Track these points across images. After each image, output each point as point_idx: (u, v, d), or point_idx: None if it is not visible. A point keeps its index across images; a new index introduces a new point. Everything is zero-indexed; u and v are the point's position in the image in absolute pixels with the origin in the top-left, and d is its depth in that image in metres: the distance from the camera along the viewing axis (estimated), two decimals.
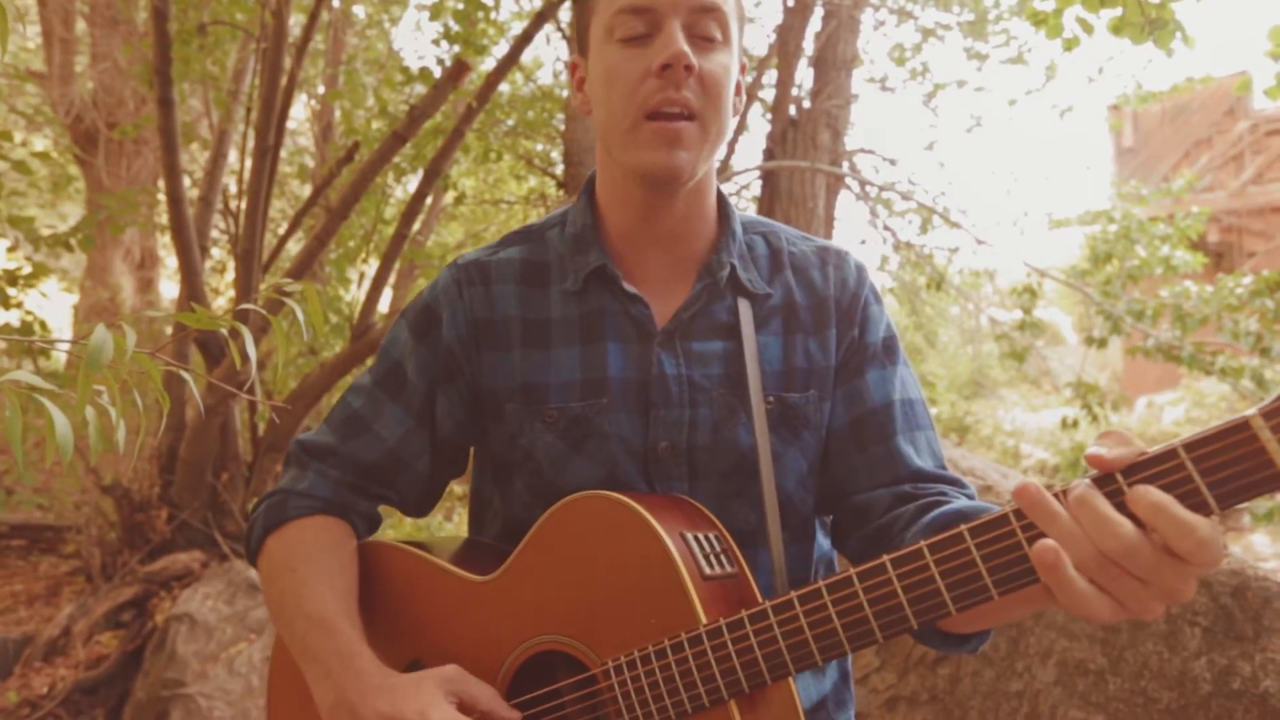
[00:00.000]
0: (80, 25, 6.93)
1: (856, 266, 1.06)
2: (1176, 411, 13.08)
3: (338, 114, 5.26)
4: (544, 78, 6.15)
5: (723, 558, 0.87)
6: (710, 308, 1.01)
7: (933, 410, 6.89)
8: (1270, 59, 2.12)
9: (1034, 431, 15.51)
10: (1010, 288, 6.09)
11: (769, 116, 6.00)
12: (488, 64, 3.75)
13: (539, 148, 5.40)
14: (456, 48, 3.35)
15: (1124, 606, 0.66)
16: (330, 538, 1.01)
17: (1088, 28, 2.21)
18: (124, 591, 3.50)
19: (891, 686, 2.09)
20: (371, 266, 4.49)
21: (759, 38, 7.39)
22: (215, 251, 6.25)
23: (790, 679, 0.82)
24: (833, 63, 5.76)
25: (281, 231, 4.32)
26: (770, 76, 6.36)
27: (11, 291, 3.40)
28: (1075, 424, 5.03)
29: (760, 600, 0.84)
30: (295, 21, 4.24)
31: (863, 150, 6.13)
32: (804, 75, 5.99)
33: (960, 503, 0.91)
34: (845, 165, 6.20)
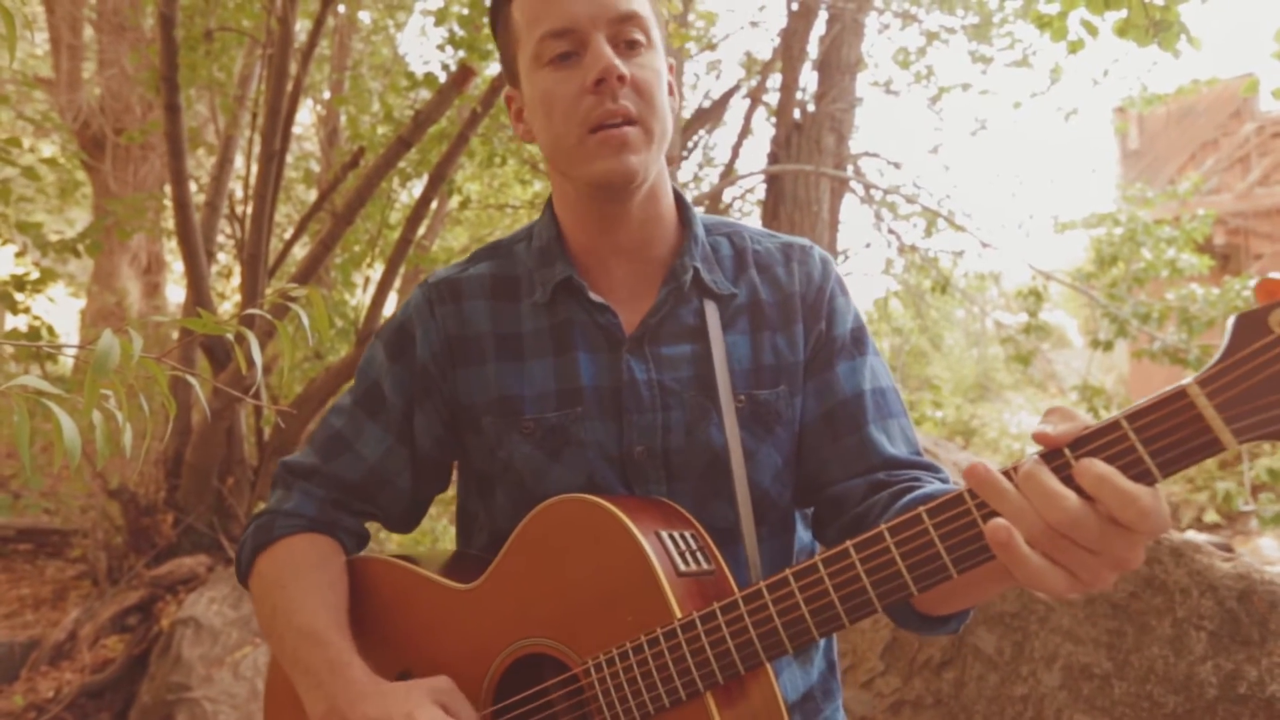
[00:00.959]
0: (88, 32, 6.96)
1: (821, 260, 1.08)
2: None
3: (343, 119, 5.28)
4: None
5: (699, 555, 0.89)
6: (676, 312, 1.02)
7: (938, 414, 6.88)
8: (1278, 60, 2.12)
9: None
10: (1016, 291, 6.08)
11: (773, 120, 6.00)
12: (492, 69, 3.77)
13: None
14: (461, 53, 3.37)
15: (1077, 578, 0.68)
16: (318, 554, 1.03)
17: (1092, 30, 2.20)
18: (129, 596, 3.51)
19: (896, 690, 2.08)
20: (377, 271, 4.51)
21: (763, 42, 7.39)
22: (221, 256, 6.28)
23: (769, 671, 0.83)
24: (837, 66, 5.77)
25: (287, 236, 4.34)
26: (775, 80, 6.37)
27: (19, 297, 3.41)
28: None
29: (737, 595, 0.85)
30: (301, 27, 4.26)
31: (867, 154, 6.13)
32: (808, 79, 5.99)
33: (932, 487, 0.93)
34: (850, 169, 6.20)
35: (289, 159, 7.15)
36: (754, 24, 9.86)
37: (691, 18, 5.74)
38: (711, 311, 1.02)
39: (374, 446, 1.06)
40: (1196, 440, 0.65)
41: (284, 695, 1.00)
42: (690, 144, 6.89)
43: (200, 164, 6.63)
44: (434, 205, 4.58)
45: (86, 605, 3.63)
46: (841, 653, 2.18)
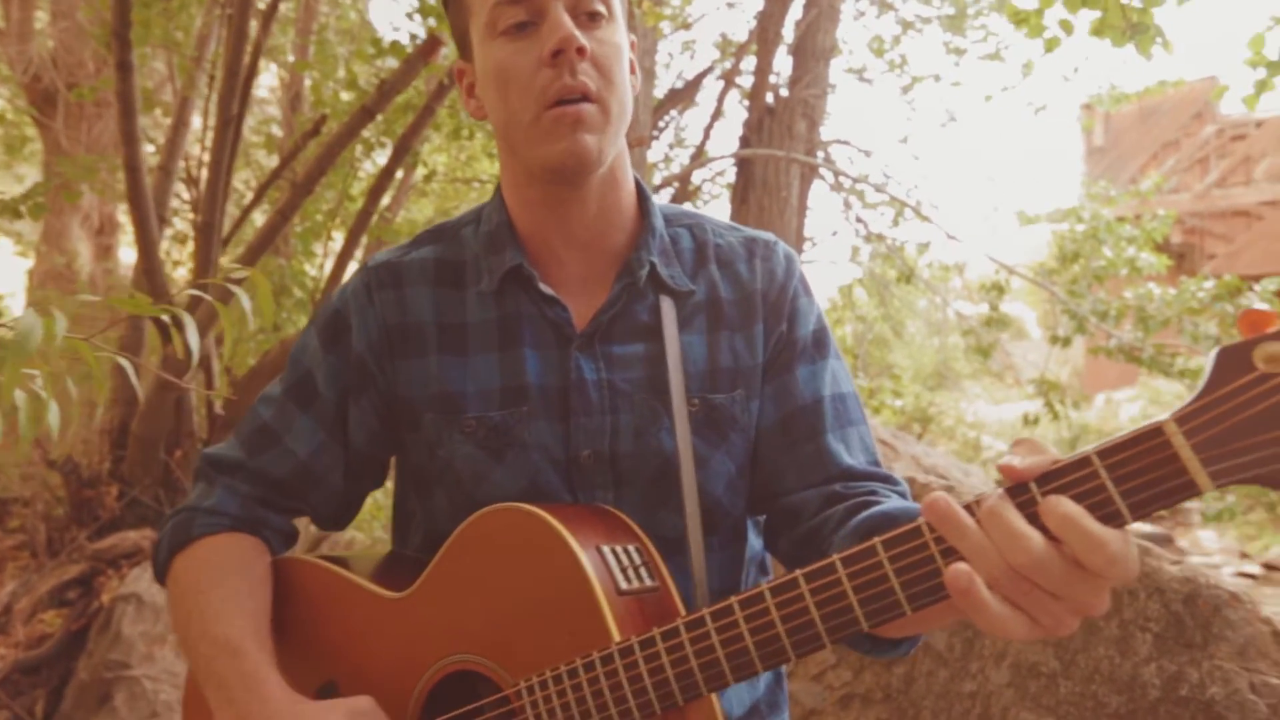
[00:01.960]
0: None
1: (785, 256, 1.03)
2: (1133, 408, 13.34)
3: (308, 83, 5.14)
4: None
5: (642, 570, 0.84)
6: (631, 308, 0.97)
7: (897, 402, 6.94)
8: (1249, 66, 2.13)
9: (995, 424, 15.76)
10: (980, 283, 6.14)
11: (746, 104, 5.96)
12: None
13: None
14: (431, 21, 3.27)
15: (1037, 623, 0.65)
16: (239, 556, 0.97)
17: (1068, 28, 2.20)
18: (70, 569, 3.42)
19: (846, 684, 2.09)
20: (338, 241, 4.41)
21: (739, 23, 7.33)
22: (177, 221, 6.09)
23: (711, 701, 0.79)
24: (812, 52, 5.73)
25: (246, 204, 4.21)
26: (749, 63, 6.32)
27: None
28: (1036, 420, 5.09)
29: (681, 613, 0.82)
30: None
31: (838, 141, 6.13)
32: (782, 63, 5.96)
33: (889, 504, 0.88)
34: (820, 155, 6.19)
35: (250, 123, 6.96)
36: (730, 4, 9.79)
37: None
38: (668, 308, 0.97)
39: (305, 441, 1.00)
40: (1171, 481, 0.61)
41: (201, 709, 0.94)
42: (661, 124, 6.83)
43: (157, 124, 6.42)
44: (399, 177, 4.48)
45: (24, 578, 3.52)
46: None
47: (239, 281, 1.12)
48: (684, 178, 5.73)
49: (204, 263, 3.44)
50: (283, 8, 5.18)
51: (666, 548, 0.91)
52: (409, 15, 4.09)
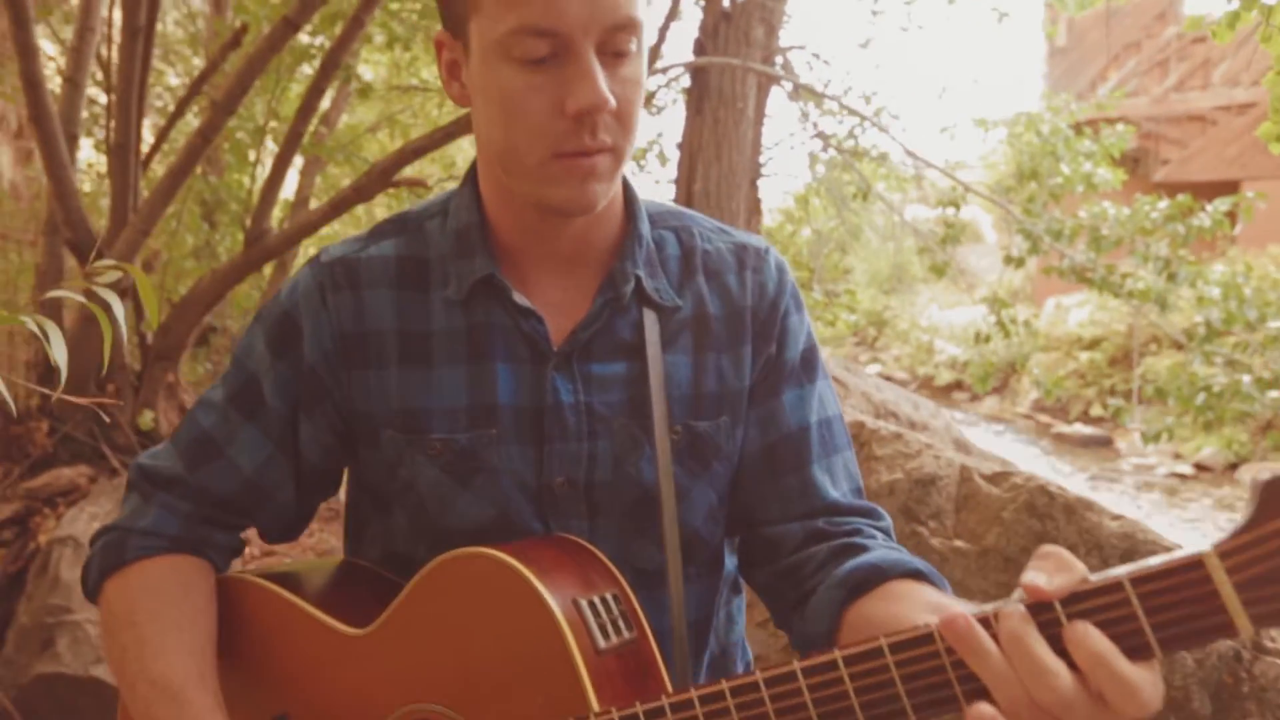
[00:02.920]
0: None
1: (777, 268, 0.97)
2: (1082, 313, 13.63)
3: None
4: None
5: (620, 623, 0.80)
6: (612, 324, 0.90)
7: (851, 316, 6.90)
8: None
9: (948, 328, 16.05)
10: (936, 197, 6.07)
11: (702, 5, 5.69)
12: None
13: None
14: None
15: None
16: (179, 582, 0.90)
17: None
18: (3, 508, 3.31)
19: None
20: (269, 160, 4.16)
21: None
22: (99, 131, 5.71)
23: None
24: None
25: (168, 118, 3.94)
26: None
27: None
28: (988, 339, 5.13)
29: (659, 664, 0.80)
30: None
31: (796, 47, 5.90)
32: None
33: (876, 553, 0.85)
34: (779, 61, 5.97)
35: (175, 16, 6.46)
36: None
37: None
38: (651, 324, 0.90)
39: (251, 455, 0.92)
40: (1208, 620, 0.57)
41: None
42: None
43: (61, 7, 5.93)
44: (331, 92, 4.21)
45: None
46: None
47: (111, 284, 1.01)
48: None
49: (121, 187, 3.22)
50: None
51: (644, 580, 0.88)
52: None
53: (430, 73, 6.31)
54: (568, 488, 0.89)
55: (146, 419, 3.54)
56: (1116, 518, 1.82)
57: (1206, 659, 1.67)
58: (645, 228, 0.93)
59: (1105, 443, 11.59)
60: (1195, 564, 0.57)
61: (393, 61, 5.75)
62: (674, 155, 5.78)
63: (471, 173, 0.94)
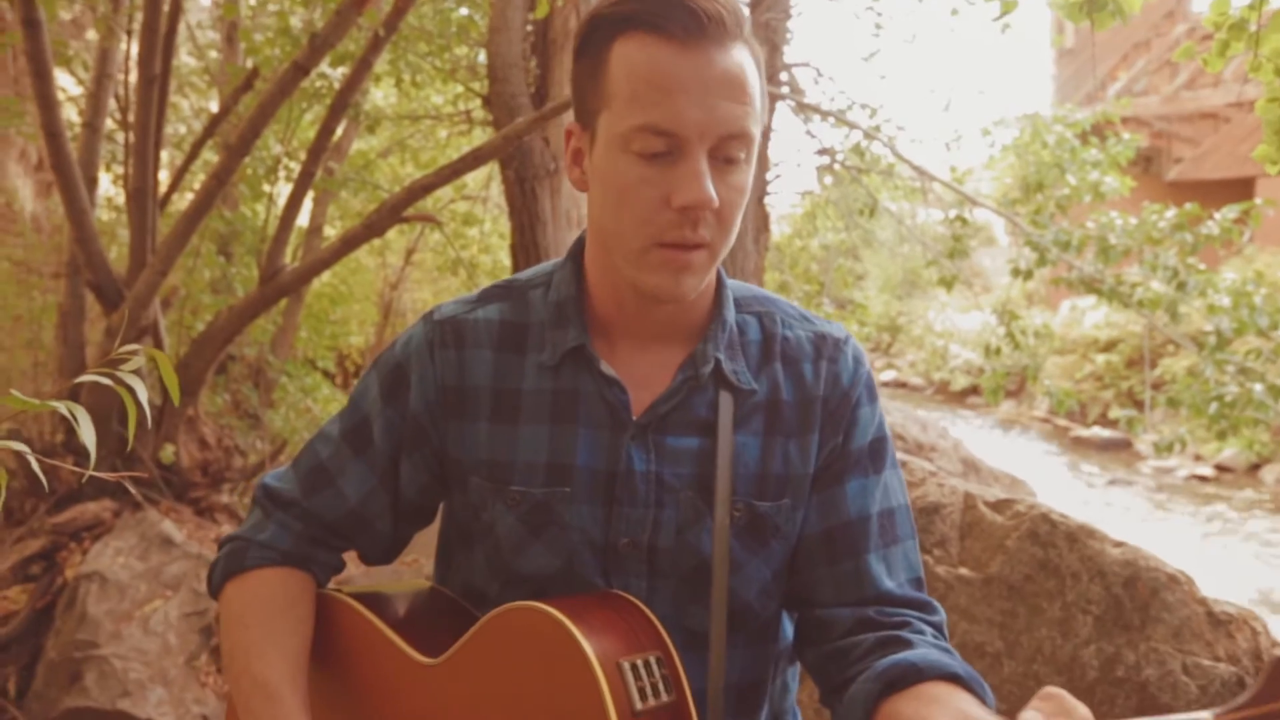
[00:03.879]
0: None
1: (854, 359, 1.01)
2: (1098, 315, 13.54)
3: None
4: None
5: (660, 686, 0.85)
6: (690, 400, 0.96)
7: (862, 330, 6.88)
8: (1209, 26, 2.06)
9: (963, 332, 15.97)
10: (943, 219, 6.08)
11: None
12: None
13: (463, 51, 5.07)
14: None
15: None
16: (286, 594, 1.01)
17: None
18: (31, 544, 3.39)
19: None
20: (282, 190, 4.24)
21: None
22: (118, 167, 5.82)
23: None
24: None
25: (181, 161, 4.02)
26: None
27: None
28: (999, 351, 5.14)
29: None
30: None
31: (801, 64, 5.94)
32: None
33: (918, 651, 0.88)
34: (784, 77, 6.01)
35: (188, 48, 6.58)
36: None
37: None
38: (725, 405, 0.96)
39: (356, 486, 1.02)
40: None
41: None
42: None
43: (87, 47, 6.06)
44: (343, 122, 4.29)
45: None
46: None
47: (129, 360, 1.06)
48: None
49: (140, 229, 3.31)
50: None
51: (693, 641, 0.94)
52: None
53: (440, 98, 6.40)
54: (631, 548, 0.95)
55: (168, 453, 3.62)
56: (1119, 544, 1.83)
57: (1210, 685, 1.69)
58: (730, 314, 0.99)
59: (1124, 445, 11.50)
60: None
61: (403, 90, 5.84)
62: None
63: (576, 249, 1.02)
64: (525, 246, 4.11)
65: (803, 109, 6.18)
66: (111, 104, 3.82)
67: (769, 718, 1.04)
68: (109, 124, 3.98)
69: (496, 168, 4.66)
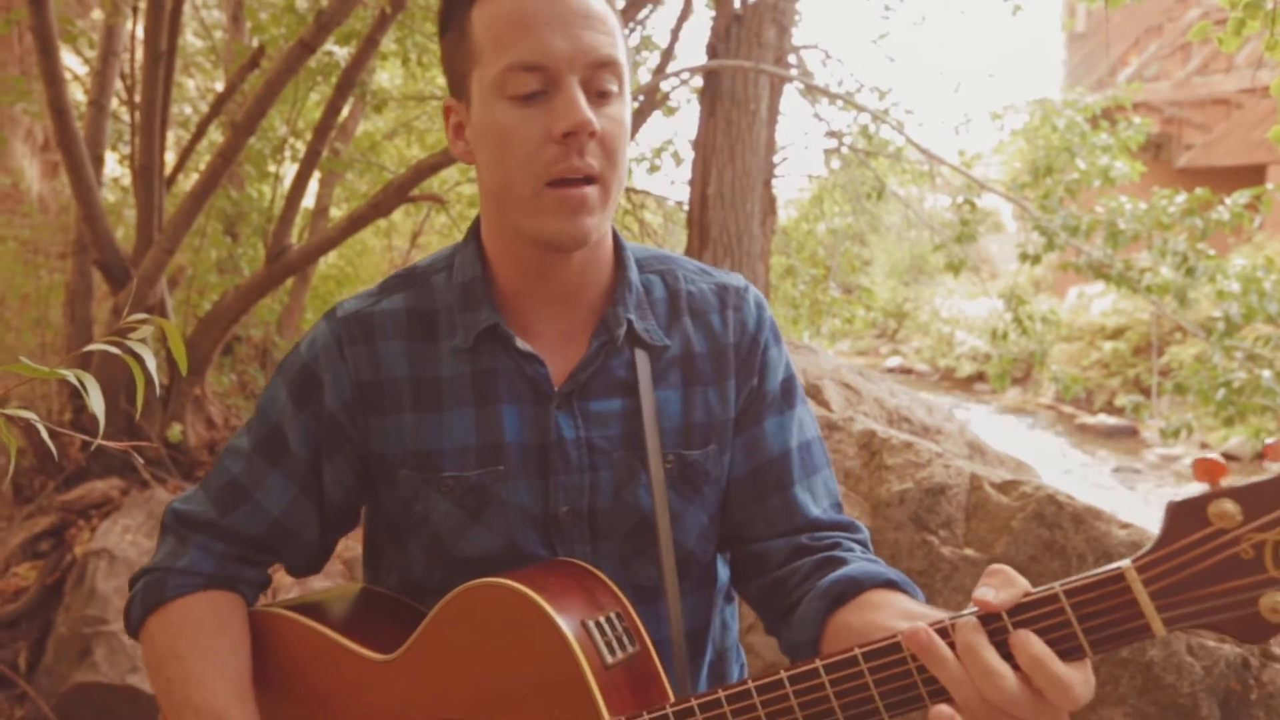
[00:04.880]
0: None
1: (756, 305, 1.05)
2: (1105, 303, 13.48)
3: None
4: None
5: (624, 639, 0.88)
6: (607, 364, 0.98)
7: (868, 315, 6.84)
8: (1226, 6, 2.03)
9: (970, 319, 15.92)
10: (954, 190, 6.05)
11: (713, 12, 5.69)
12: None
13: None
14: None
15: None
16: (217, 615, 0.97)
17: None
18: (40, 521, 3.41)
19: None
20: (288, 170, 4.24)
21: None
22: (124, 146, 5.81)
23: None
24: None
25: (189, 138, 4.02)
26: None
27: None
28: (1005, 336, 5.12)
29: (660, 673, 0.88)
30: None
31: (809, 46, 5.90)
32: None
33: (854, 566, 0.94)
34: (792, 60, 5.96)
35: (193, 26, 6.56)
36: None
37: None
38: (643, 362, 0.98)
39: (276, 498, 1.00)
40: (1128, 624, 0.67)
41: None
42: (629, 27, 6.53)
43: (88, 33, 6.04)
44: (348, 104, 4.27)
45: None
46: None
47: (144, 324, 1.06)
48: (650, 90, 5.52)
49: (146, 207, 3.31)
50: None
51: (642, 596, 0.97)
52: None
53: (436, 82, 6.37)
54: (572, 516, 0.96)
55: (175, 431, 3.63)
56: (1125, 526, 1.83)
57: (1214, 666, 1.69)
58: (634, 274, 1.01)
59: (1130, 433, 11.47)
60: (1117, 577, 0.67)
61: (409, 72, 5.81)
62: (688, 155, 5.80)
63: (474, 230, 1.02)
64: None
65: (810, 91, 6.13)
66: (118, 84, 3.82)
67: (714, 657, 1.07)
68: (115, 103, 3.98)
69: None
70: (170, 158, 3.73)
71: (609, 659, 0.85)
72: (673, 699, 0.84)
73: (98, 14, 5.34)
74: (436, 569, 0.97)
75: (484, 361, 0.96)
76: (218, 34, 6.53)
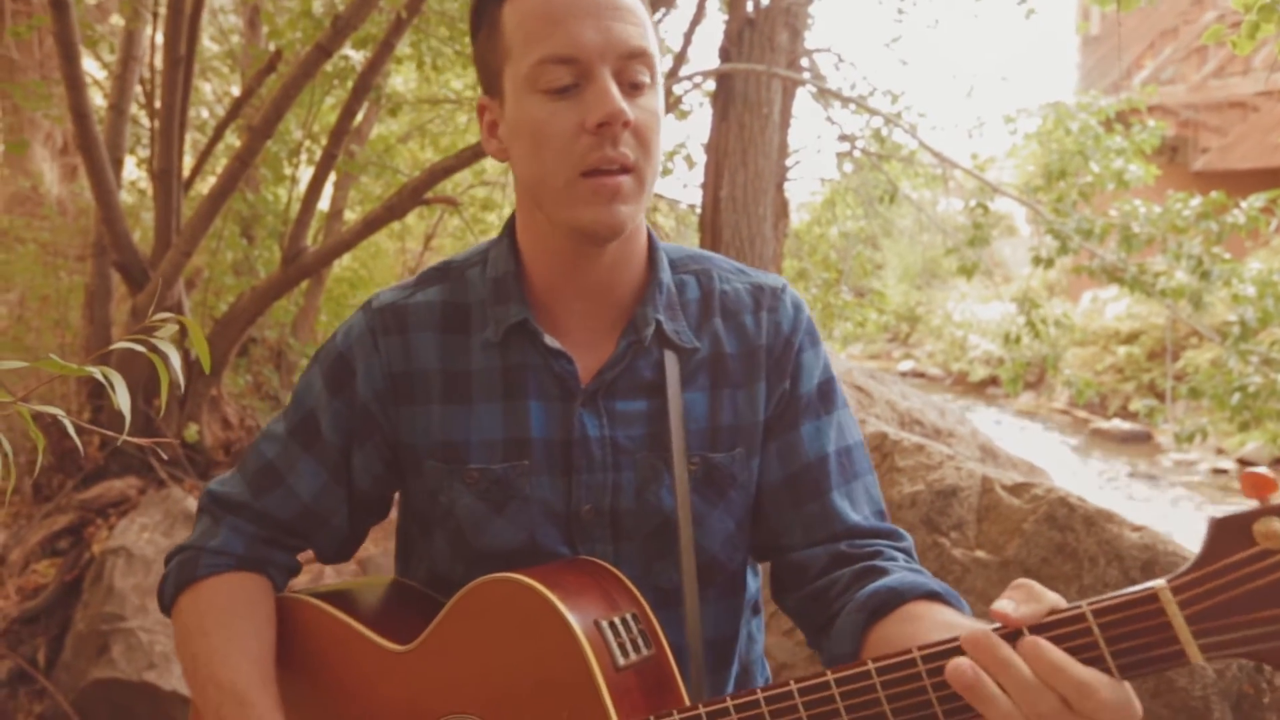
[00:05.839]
0: None
1: (793, 306, 1.03)
2: (1119, 307, 13.40)
3: None
4: None
5: (639, 640, 0.87)
6: (635, 364, 0.98)
7: (880, 318, 6.83)
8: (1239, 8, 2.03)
9: (982, 323, 15.86)
10: (967, 194, 6.04)
11: (725, 16, 5.70)
12: None
13: None
14: None
15: None
16: (245, 597, 1.00)
17: None
18: (59, 519, 3.46)
19: None
20: (304, 173, 4.28)
21: None
22: (142, 150, 5.88)
23: None
24: None
25: (206, 141, 4.06)
26: None
27: None
28: (1018, 340, 5.10)
29: (677, 679, 0.86)
30: None
31: (822, 49, 5.90)
32: None
33: (895, 577, 0.90)
34: (804, 63, 5.97)
35: (210, 31, 6.63)
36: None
37: None
38: (671, 364, 0.97)
39: (308, 483, 1.02)
40: (1161, 649, 0.62)
41: None
42: None
43: (108, 38, 6.11)
44: (364, 107, 4.31)
45: (14, 529, 3.57)
46: (765, 599, 2.24)
47: (169, 322, 1.08)
48: (664, 93, 5.55)
49: (165, 210, 3.35)
50: None
51: (663, 599, 0.95)
52: None
53: (460, 83, 6.41)
54: (594, 514, 0.96)
55: (191, 432, 3.67)
56: (1137, 529, 1.83)
57: (1227, 669, 1.68)
58: (666, 274, 1.00)
59: (1145, 438, 11.40)
60: (1150, 597, 0.62)
61: (423, 74, 5.86)
62: (700, 158, 5.82)
63: (509, 226, 1.02)
64: None
65: (823, 95, 6.14)
66: (137, 89, 3.87)
67: (739, 670, 1.06)
68: (134, 107, 4.03)
69: None
70: (188, 161, 3.78)
71: (621, 661, 0.84)
72: (688, 704, 0.83)
73: (117, 19, 5.42)
74: (459, 562, 0.98)
75: (513, 356, 0.97)
76: (235, 39, 6.60)
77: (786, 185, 6.09)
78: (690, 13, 6.58)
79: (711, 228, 5.25)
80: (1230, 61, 13.42)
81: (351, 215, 5.85)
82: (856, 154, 5.88)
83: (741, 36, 5.35)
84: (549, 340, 0.96)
